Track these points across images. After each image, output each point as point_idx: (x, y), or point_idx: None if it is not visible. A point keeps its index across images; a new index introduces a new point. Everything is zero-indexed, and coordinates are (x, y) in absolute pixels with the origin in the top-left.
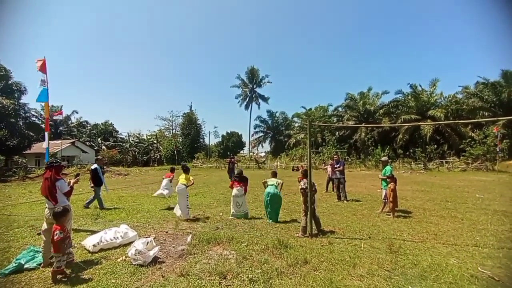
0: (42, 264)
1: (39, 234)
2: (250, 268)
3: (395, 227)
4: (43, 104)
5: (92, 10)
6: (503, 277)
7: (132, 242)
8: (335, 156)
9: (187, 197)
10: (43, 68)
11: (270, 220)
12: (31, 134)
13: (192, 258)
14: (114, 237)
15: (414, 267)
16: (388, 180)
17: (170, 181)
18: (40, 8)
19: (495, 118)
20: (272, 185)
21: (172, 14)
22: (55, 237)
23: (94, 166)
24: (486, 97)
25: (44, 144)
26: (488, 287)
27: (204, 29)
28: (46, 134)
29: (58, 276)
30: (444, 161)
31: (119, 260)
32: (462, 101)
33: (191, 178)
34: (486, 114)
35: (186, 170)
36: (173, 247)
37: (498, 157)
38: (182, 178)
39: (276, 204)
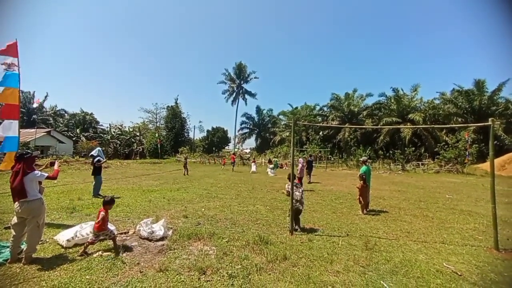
0: (9, 260)
1: (7, 228)
2: (230, 264)
3: (371, 225)
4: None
5: None
6: (465, 272)
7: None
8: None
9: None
10: (14, 52)
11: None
12: None
13: (172, 254)
14: (90, 232)
15: (387, 263)
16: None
17: (272, 168)
18: None
19: (466, 125)
20: (275, 162)
21: (158, 7)
22: (100, 216)
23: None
24: (460, 103)
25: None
26: (451, 281)
27: (191, 23)
28: (17, 122)
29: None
30: (420, 163)
31: (95, 255)
32: (439, 106)
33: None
34: (460, 119)
35: (269, 161)
36: (153, 242)
37: (467, 160)
38: (269, 165)
39: (276, 167)
